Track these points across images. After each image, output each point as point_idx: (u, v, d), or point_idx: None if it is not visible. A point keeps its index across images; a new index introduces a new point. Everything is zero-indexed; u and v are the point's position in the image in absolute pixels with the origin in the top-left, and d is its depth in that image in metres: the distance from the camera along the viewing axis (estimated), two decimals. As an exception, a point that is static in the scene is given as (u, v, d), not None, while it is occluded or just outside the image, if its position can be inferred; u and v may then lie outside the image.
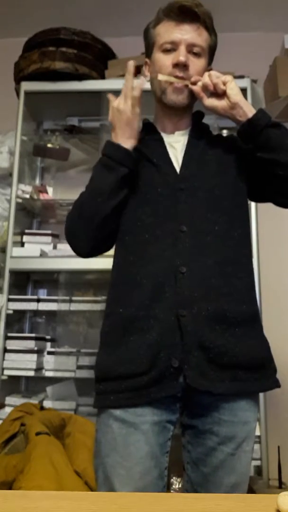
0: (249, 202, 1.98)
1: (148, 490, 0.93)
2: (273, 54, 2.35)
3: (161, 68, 1.10)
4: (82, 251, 1.12)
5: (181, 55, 1.08)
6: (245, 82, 2.12)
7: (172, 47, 1.10)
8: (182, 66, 1.08)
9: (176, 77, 1.09)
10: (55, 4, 2.46)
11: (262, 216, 2.04)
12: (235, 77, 2.12)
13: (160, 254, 1.01)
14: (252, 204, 2.02)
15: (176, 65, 1.08)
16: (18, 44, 2.27)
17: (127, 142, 1.06)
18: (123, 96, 1.07)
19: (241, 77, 2.12)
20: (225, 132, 2.17)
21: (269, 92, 2.34)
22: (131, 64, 1.06)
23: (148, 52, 1.18)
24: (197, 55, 1.11)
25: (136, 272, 1.02)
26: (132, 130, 1.07)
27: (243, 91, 2.07)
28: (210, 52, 1.16)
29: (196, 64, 1.10)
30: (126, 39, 2.33)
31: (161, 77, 1.09)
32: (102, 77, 2.21)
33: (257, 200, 1.25)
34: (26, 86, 2.19)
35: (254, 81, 2.19)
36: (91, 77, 2.16)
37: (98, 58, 2.20)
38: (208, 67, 1.16)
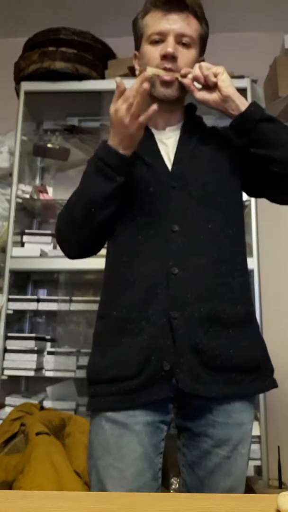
0: (248, 199, 2.01)
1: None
2: (273, 54, 2.35)
3: (149, 61, 1.05)
4: (70, 253, 1.10)
5: (169, 46, 1.03)
6: (245, 82, 2.12)
7: (160, 38, 1.05)
8: (170, 57, 1.03)
9: (165, 69, 1.04)
10: (55, 4, 2.46)
11: (262, 215, 2.04)
12: (235, 77, 2.12)
13: (153, 255, 0.99)
14: (252, 203, 2.02)
15: (165, 57, 1.03)
16: (18, 44, 2.27)
17: (125, 150, 0.98)
18: (128, 111, 0.94)
19: (241, 77, 2.12)
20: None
21: (269, 92, 2.34)
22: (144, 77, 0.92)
23: (137, 44, 1.13)
24: (186, 45, 1.06)
25: (128, 273, 1.00)
26: (132, 142, 0.98)
27: (243, 91, 2.10)
28: (201, 42, 1.10)
29: (186, 55, 1.05)
30: (126, 39, 2.31)
31: (149, 70, 1.02)
32: (102, 77, 2.21)
33: (253, 195, 1.21)
34: (26, 86, 2.19)
35: (254, 81, 2.19)
36: (91, 77, 2.16)
37: (98, 58, 2.20)
38: (200, 58, 1.11)
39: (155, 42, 1.06)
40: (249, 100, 2.04)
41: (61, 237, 1.09)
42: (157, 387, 0.94)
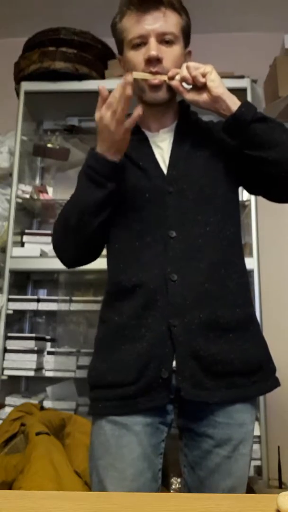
0: (248, 199, 2.01)
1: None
2: (273, 54, 2.35)
3: (134, 67, 1.02)
4: (66, 262, 1.10)
5: (151, 49, 0.98)
6: (245, 82, 2.12)
7: (141, 41, 1.01)
8: (155, 60, 0.99)
9: (151, 73, 1.00)
10: (55, 4, 2.46)
11: (262, 215, 2.03)
12: (235, 77, 2.12)
13: (151, 262, 0.98)
14: (252, 203, 2.01)
15: (149, 61, 0.99)
16: (18, 44, 2.27)
17: (114, 156, 0.98)
18: (113, 118, 0.94)
19: (241, 77, 2.12)
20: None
21: (269, 92, 2.34)
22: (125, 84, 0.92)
23: (120, 49, 1.09)
24: (170, 43, 1.01)
25: (127, 280, 0.99)
26: (120, 148, 0.98)
27: (243, 91, 2.10)
28: (184, 35, 1.05)
29: (171, 53, 1.01)
30: (126, 39, 2.33)
31: (135, 75, 0.99)
32: (102, 77, 2.21)
33: (252, 193, 1.20)
34: (26, 86, 2.19)
35: (254, 81, 2.19)
36: (91, 77, 2.16)
37: (98, 58, 2.20)
38: (186, 49, 1.07)
39: (137, 46, 1.02)
40: (249, 100, 2.06)
41: (57, 246, 1.09)
42: (155, 394, 0.94)
